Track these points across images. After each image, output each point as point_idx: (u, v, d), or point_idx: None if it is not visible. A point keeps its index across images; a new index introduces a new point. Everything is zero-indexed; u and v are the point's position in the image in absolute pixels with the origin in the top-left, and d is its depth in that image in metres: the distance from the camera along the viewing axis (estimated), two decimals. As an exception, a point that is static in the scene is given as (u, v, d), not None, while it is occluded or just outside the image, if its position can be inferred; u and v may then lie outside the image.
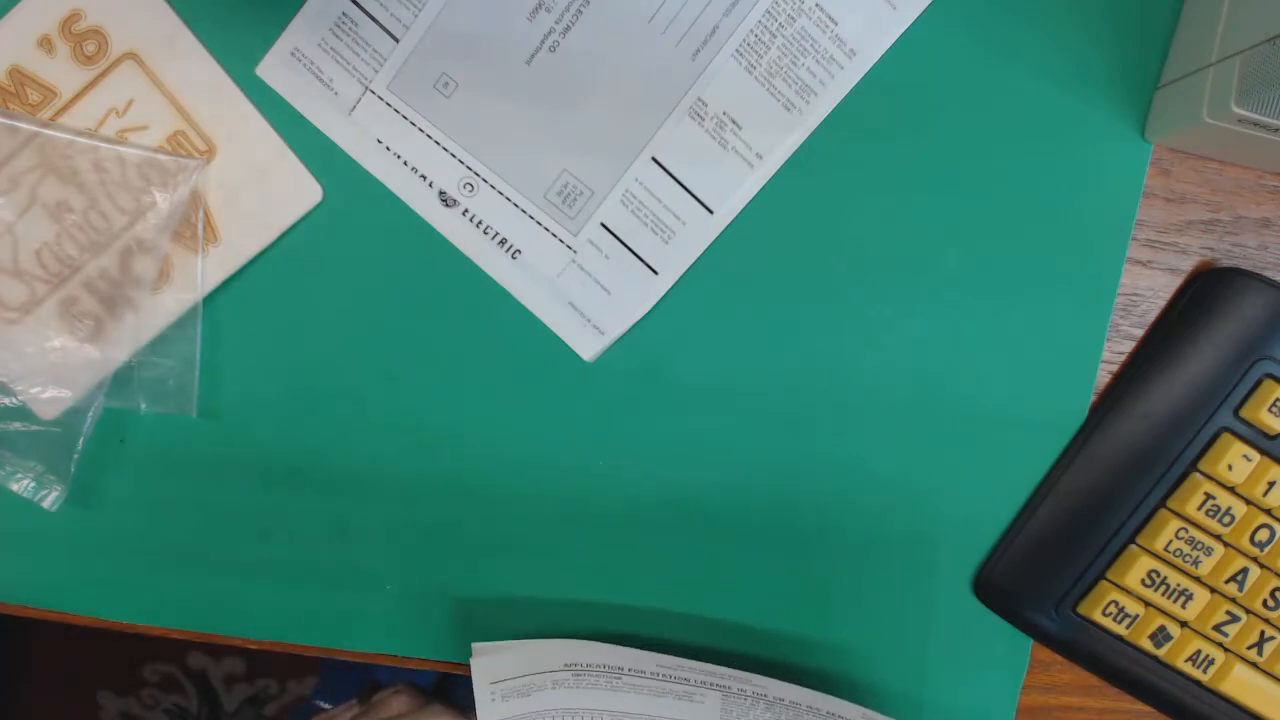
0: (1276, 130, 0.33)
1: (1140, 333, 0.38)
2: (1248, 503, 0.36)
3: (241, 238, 0.37)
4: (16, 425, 0.36)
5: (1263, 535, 0.36)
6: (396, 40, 0.36)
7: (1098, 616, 0.37)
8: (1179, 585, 0.36)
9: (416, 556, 0.38)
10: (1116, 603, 0.37)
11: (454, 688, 0.59)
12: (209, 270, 0.37)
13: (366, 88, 0.36)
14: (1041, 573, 0.38)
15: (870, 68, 0.36)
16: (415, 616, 0.38)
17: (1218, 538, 0.36)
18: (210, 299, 0.37)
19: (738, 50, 0.36)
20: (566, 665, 0.34)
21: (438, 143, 0.37)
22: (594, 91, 0.36)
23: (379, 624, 0.39)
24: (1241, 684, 0.36)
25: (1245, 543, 0.36)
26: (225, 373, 0.37)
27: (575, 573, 0.39)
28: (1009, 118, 0.37)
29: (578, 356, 0.38)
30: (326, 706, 0.39)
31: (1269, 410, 0.35)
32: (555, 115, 0.36)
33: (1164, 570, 0.36)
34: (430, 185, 0.37)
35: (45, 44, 0.35)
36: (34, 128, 0.35)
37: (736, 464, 0.38)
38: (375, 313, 0.37)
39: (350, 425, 0.38)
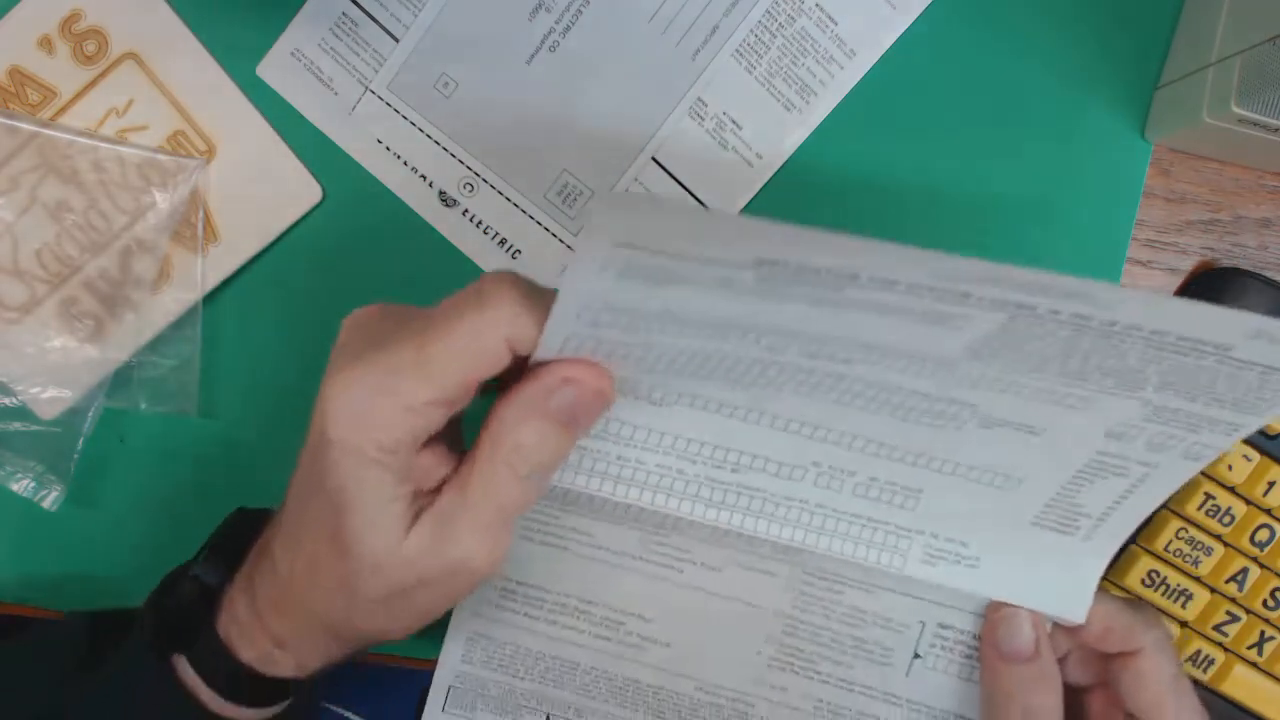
0: (1276, 130, 0.33)
1: (1140, 333, 0.38)
2: (1248, 503, 0.36)
3: (241, 238, 0.37)
4: (16, 425, 0.36)
5: (1263, 535, 0.36)
6: (396, 40, 0.36)
7: (1098, 616, 0.37)
8: (1179, 585, 0.36)
9: (416, 556, 0.38)
10: (1116, 603, 0.37)
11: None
12: (209, 270, 0.37)
13: (366, 88, 0.36)
14: (1041, 573, 0.38)
15: (870, 68, 0.36)
16: (415, 616, 0.38)
17: (1218, 538, 0.36)
18: (210, 299, 0.37)
19: (738, 50, 0.36)
20: (757, 260, 0.21)
21: (438, 143, 0.37)
22: (594, 91, 0.36)
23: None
24: (1241, 684, 0.36)
25: (1245, 543, 0.36)
26: (225, 373, 0.37)
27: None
28: (1009, 118, 0.37)
29: (578, 356, 0.37)
30: (328, 707, 0.39)
31: (1269, 410, 0.35)
32: (555, 115, 0.36)
33: (1164, 570, 0.36)
34: (430, 185, 0.37)
35: (45, 44, 0.35)
36: (34, 128, 0.35)
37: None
38: (375, 313, 0.37)
39: (350, 425, 0.38)
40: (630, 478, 0.28)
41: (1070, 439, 0.27)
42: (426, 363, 0.23)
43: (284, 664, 0.28)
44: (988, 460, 0.28)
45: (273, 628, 0.27)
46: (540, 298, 0.23)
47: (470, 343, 0.23)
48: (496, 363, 0.23)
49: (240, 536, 0.30)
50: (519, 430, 0.24)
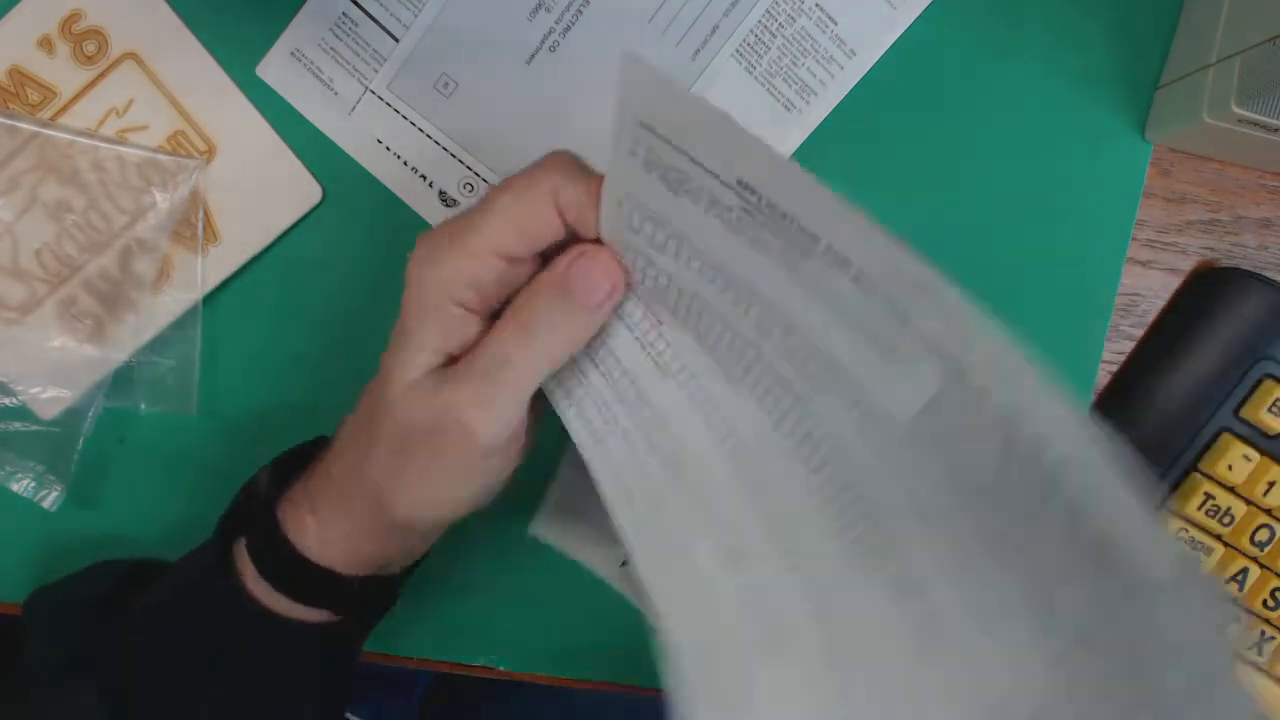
0: (1276, 130, 0.33)
1: (1140, 333, 0.38)
2: (1248, 503, 0.36)
3: (241, 238, 0.37)
4: (16, 425, 0.36)
5: (1263, 535, 0.36)
6: (396, 40, 0.36)
7: (1098, 616, 0.37)
8: (1179, 585, 0.36)
9: (416, 556, 0.38)
10: (1116, 603, 0.37)
11: (453, 689, 0.59)
12: (209, 270, 0.37)
13: (366, 88, 0.36)
14: (1041, 573, 0.38)
15: (870, 68, 0.36)
16: (415, 616, 0.38)
17: (1218, 538, 0.36)
18: (210, 299, 0.37)
19: (738, 50, 0.36)
20: (739, 182, 0.23)
21: (438, 143, 0.37)
22: (594, 91, 0.36)
23: (379, 624, 0.39)
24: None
25: (1245, 543, 0.36)
26: (225, 373, 0.37)
27: (580, 570, 0.39)
28: (1009, 118, 0.37)
29: (578, 356, 0.37)
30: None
31: (1269, 410, 0.35)
32: (555, 115, 0.36)
33: (1164, 570, 0.36)
34: (430, 185, 0.37)
35: (45, 44, 0.35)
36: (34, 128, 0.35)
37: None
38: (375, 313, 0.37)
39: (350, 425, 0.38)
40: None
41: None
42: (487, 214, 0.26)
43: (328, 548, 0.30)
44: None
45: (313, 496, 0.30)
46: (592, 173, 0.26)
47: (521, 195, 0.26)
48: (547, 222, 0.26)
49: (309, 454, 0.33)
50: (533, 295, 0.27)
